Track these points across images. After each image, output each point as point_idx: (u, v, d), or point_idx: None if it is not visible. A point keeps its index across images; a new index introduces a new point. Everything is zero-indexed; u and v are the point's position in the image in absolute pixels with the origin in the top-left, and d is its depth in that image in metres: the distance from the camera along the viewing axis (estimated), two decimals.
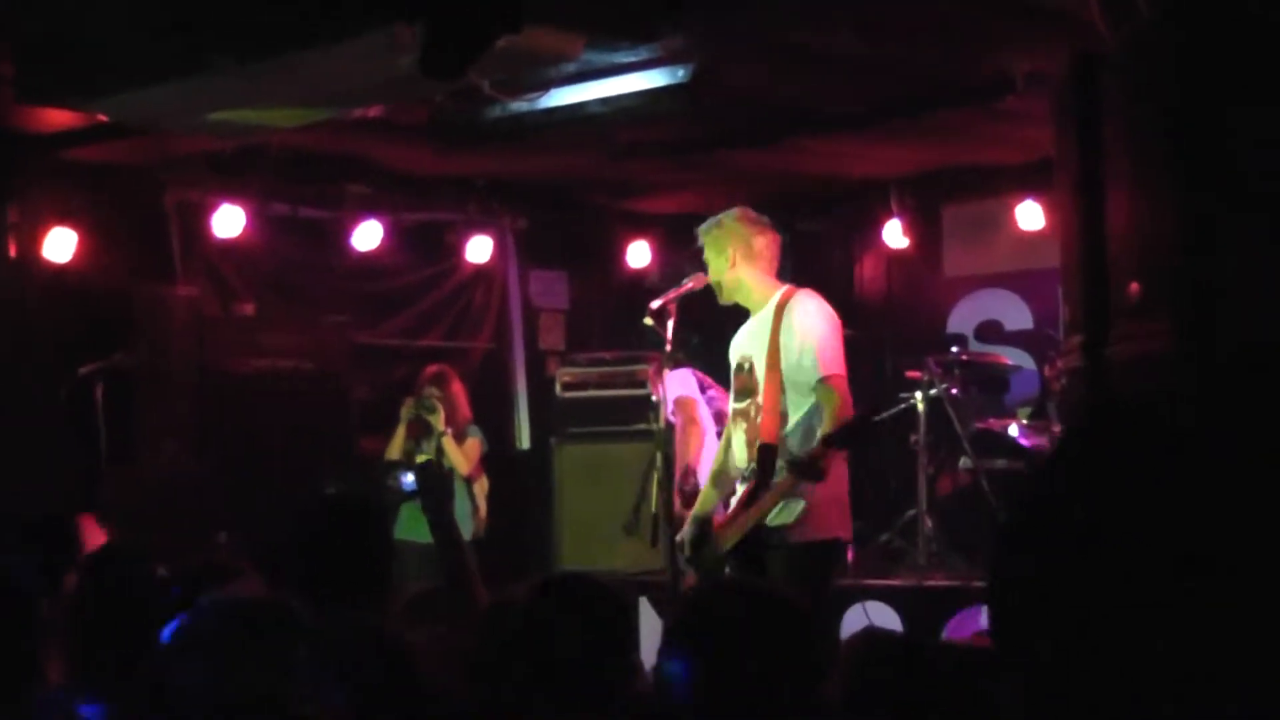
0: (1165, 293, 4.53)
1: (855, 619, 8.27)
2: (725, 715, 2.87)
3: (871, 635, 3.73)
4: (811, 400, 6.28)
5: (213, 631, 3.30)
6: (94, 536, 7.44)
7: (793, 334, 6.33)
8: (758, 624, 2.93)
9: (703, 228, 6.65)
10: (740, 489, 6.46)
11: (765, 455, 6.30)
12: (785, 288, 6.54)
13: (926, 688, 3.45)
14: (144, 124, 8.00)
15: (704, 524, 6.50)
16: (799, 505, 6.20)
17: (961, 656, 3.38)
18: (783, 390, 6.34)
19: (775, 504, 6.20)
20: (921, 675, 3.49)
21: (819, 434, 6.17)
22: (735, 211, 6.62)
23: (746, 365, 6.53)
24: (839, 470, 6.29)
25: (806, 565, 6.24)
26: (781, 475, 6.20)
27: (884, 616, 8.28)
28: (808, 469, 6.03)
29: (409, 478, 8.88)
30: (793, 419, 6.32)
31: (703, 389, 8.88)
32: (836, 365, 6.26)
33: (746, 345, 6.57)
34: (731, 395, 6.70)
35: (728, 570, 6.36)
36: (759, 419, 6.40)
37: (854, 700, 3.50)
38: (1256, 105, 4.24)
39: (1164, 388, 4.62)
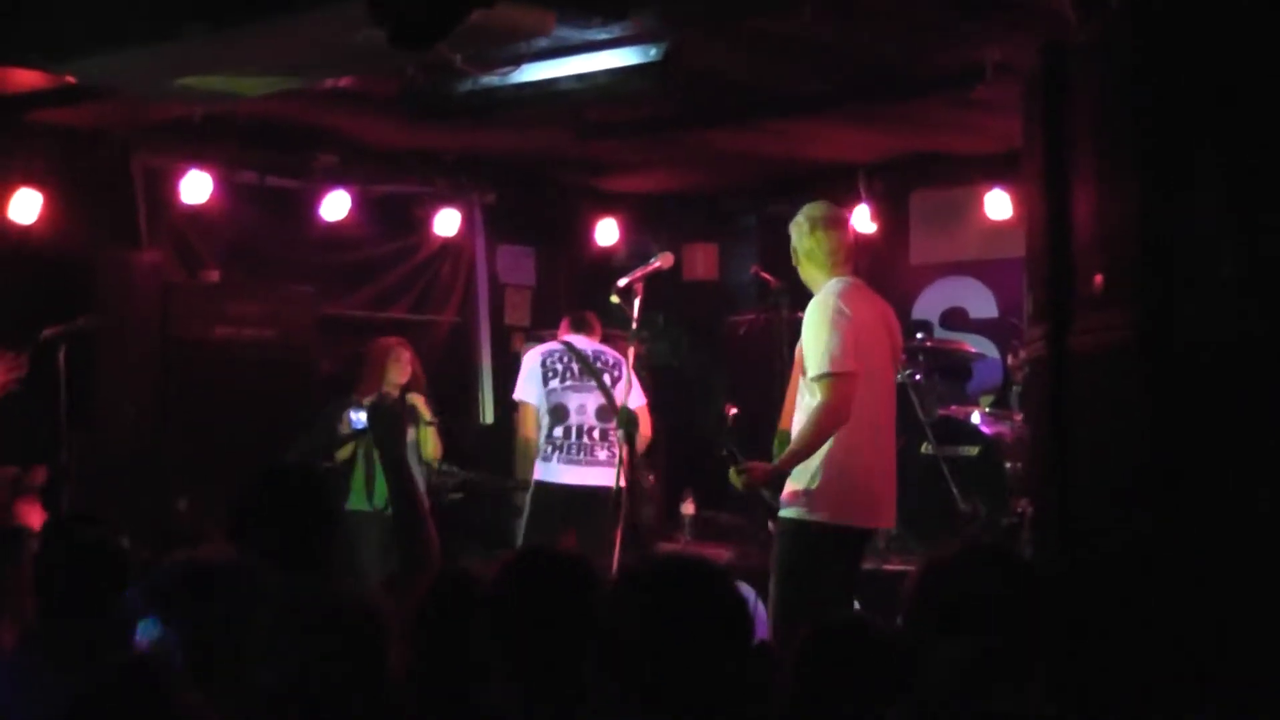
0: (1126, 285, 4.55)
1: None
2: (664, 689, 2.88)
3: (822, 622, 3.75)
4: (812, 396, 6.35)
5: (174, 593, 3.30)
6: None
7: (803, 329, 6.43)
8: (686, 597, 2.95)
9: None
10: None
11: (779, 443, 6.49)
12: (830, 282, 6.57)
13: (875, 671, 3.47)
14: (112, 87, 7.95)
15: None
16: (793, 481, 6.36)
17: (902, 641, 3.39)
18: (802, 384, 6.43)
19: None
20: (870, 658, 3.51)
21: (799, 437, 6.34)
22: (809, 205, 6.73)
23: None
24: (844, 456, 6.34)
25: (780, 539, 6.41)
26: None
27: None
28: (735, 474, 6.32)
29: (359, 415, 8.84)
30: (801, 412, 6.42)
31: (549, 376, 8.67)
32: (827, 364, 6.25)
33: None
34: None
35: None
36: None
37: (805, 684, 3.52)
38: (1221, 100, 4.26)
39: (1122, 378, 4.65)
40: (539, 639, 3.18)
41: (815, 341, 6.29)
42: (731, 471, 6.32)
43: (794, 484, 6.35)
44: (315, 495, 4.31)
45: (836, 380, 6.23)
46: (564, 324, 8.92)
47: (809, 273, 6.62)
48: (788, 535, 6.35)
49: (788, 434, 6.47)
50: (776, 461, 6.32)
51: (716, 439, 6.47)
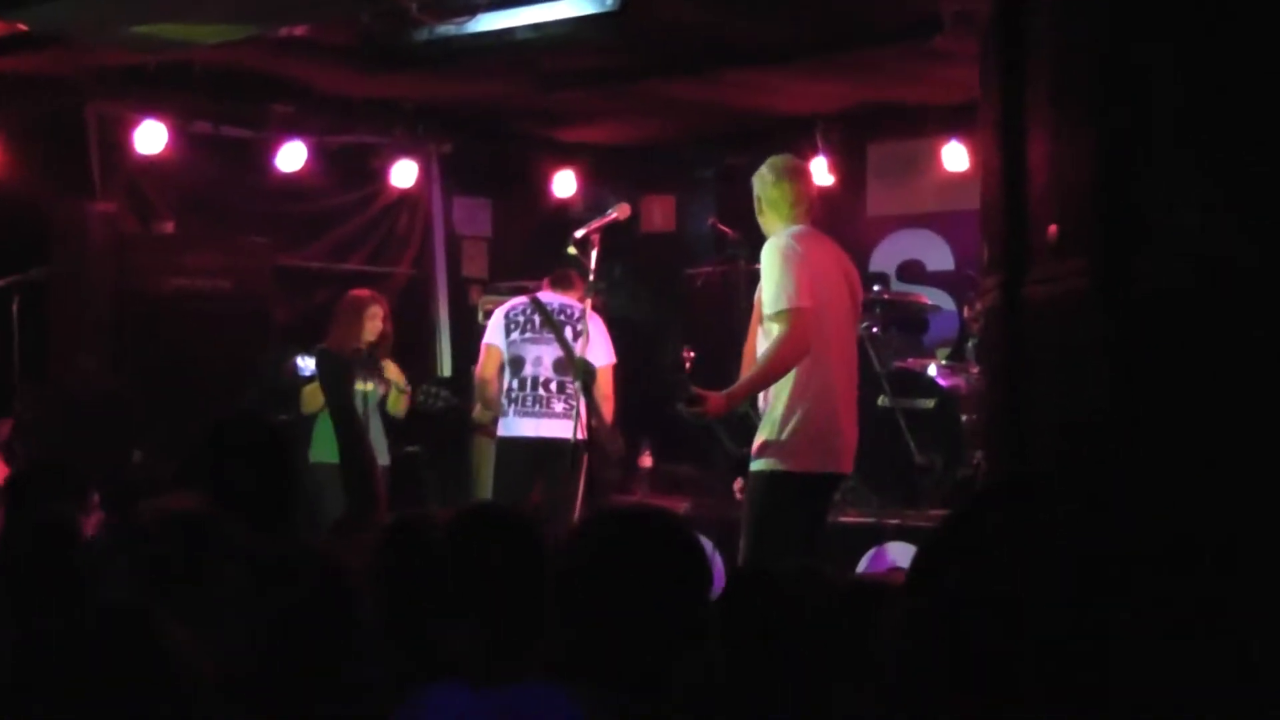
0: (1082, 234, 4.56)
1: None
2: (604, 644, 2.90)
3: (753, 570, 3.75)
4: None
5: (141, 544, 3.29)
6: None
7: (761, 272, 6.44)
8: (636, 554, 2.96)
9: None
10: None
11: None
12: (779, 231, 6.58)
13: (793, 621, 3.46)
14: (65, 35, 7.90)
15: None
16: (763, 432, 6.36)
17: (855, 591, 3.38)
18: (762, 330, 6.43)
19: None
20: (786, 609, 3.50)
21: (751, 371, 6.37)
22: (776, 157, 6.76)
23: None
24: (808, 402, 6.36)
25: (750, 489, 6.42)
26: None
27: None
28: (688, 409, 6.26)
29: (306, 362, 8.78)
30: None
31: (511, 328, 8.60)
32: (783, 300, 6.27)
33: None
34: None
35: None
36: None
37: (732, 635, 3.53)
38: (1178, 47, 4.26)
39: (1078, 328, 4.66)
40: (485, 594, 3.18)
41: (771, 280, 6.31)
42: (682, 405, 6.31)
43: (764, 435, 6.36)
44: (268, 451, 4.28)
45: (793, 314, 6.25)
46: (546, 281, 8.90)
47: (771, 222, 6.64)
48: (760, 485, 6.35)
49: None
50: (728, 391, 6.31)
51: (673, 383, 6.45)
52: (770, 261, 6.37)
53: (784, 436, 6.31)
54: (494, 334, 8.59)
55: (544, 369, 8.41)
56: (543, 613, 3.12)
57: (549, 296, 8.60)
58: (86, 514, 4.86)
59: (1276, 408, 4.10)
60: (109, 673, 2.41)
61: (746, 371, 6.55)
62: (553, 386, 8.41)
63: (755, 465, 6.38)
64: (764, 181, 6.67)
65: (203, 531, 3.41)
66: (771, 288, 6.31)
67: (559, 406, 8.34)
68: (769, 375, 6.31)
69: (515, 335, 8.51)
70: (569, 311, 8.43)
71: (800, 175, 6.74)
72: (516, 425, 8.43)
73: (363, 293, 9.24)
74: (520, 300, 8.69)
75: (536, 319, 8.48)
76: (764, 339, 6.41)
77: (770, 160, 6.74)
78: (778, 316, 6.27)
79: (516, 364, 8.48)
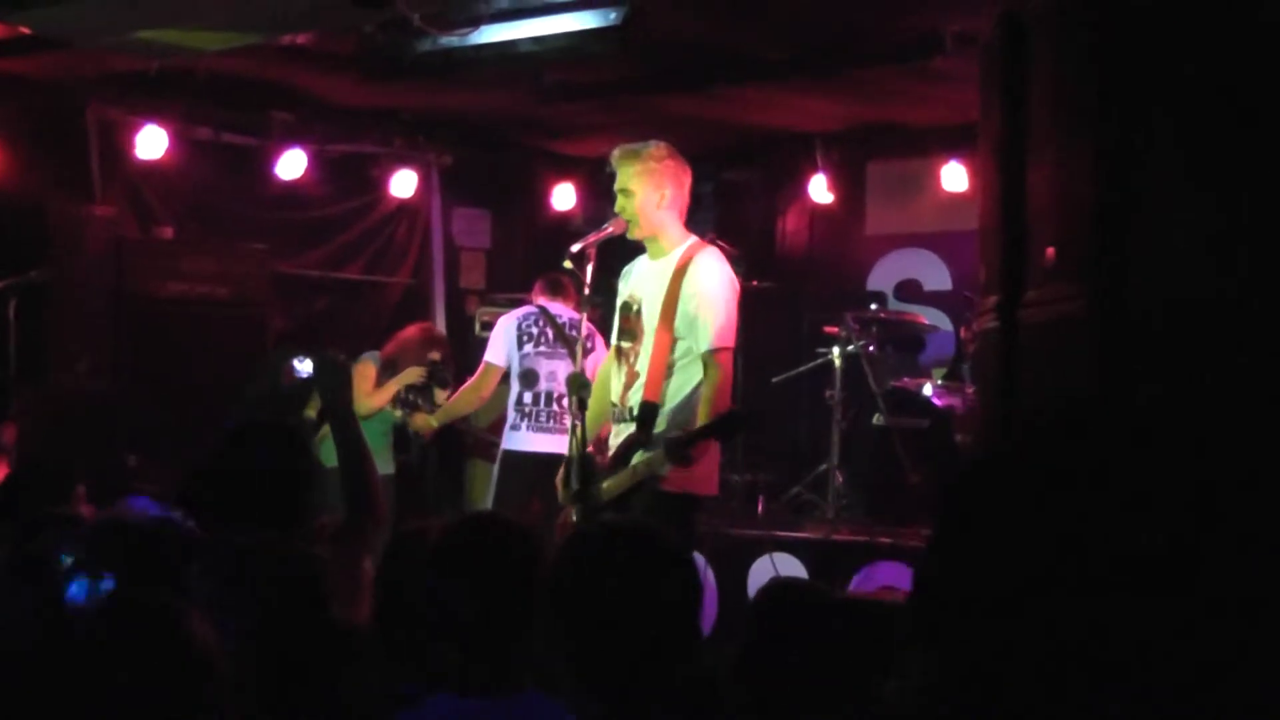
0: (1079, 257, 4.57)
1: (763, 570, 8.33)
2: (603, 655, 2.91)
3: (783, 583, 3.78)
4: (696, 366, 6.15)
5: (102, 550, 3.30)
6: None
7: (693, 293, 6.19)
8: (637, 567, 2.97)
9: (626, 153, 6.47)
10: (615, 429, 6.36)
11: (647, 413, 6.17)
12: (694, 239, 6.42)
13: (832, 635, 3.50)
14: (68, 38, 7.90)
15: (588, 463, 6.21)
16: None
17: (866, 608, 3.44)
18: (672, 347, 6.21)
19: (648, 472, 6.04)
20: (828, 623, 3.54)
21: (699, 413, 6.07)
22: (665, 147, 6.45)
23: (635, 307, 6.41)
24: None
25: (669, 513, 6.04)
26: (657, 449, 6.03)
27: (791, 568, 8.34)
28: (679, 453, 5.92)
29: (305, 364, 8.78)
30: (675, 381, 6.21)
31: (524, 340, 8.54)
32: (727, 338, 6.13)
33: (640, 287, 6.44)
34: (615, 331, 6.58)
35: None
36: (637, 365, 6.31)
37: (761, 643, 3.55)
38: (1176, 69, 4.28)
39: (1073, 351, 4.67)
40: (478, 603, 3.18)
41: (714, 311, 6.12)
42: (675, 454, 5.94)
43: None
44: (287, 456, 4.27)
45: (727, 356, 6.12)
46: (537, 286, 8.86)
47: (670, 217, 6.40)
48: (674, 507, 6.03)
49: (655, 406, 6.15)
50: (687, 435, 5.97)
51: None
52: (715, 290, 6.16)
53: (696, 464, 6.02)
54: (500, 350, 8.51)
55: (558, 384, 8.37)
56: (535, 623, 3.13)
57: (554, 308, 8.59)
58: (74, 511, 4.86)
59: (1267, 429, 4.11)
60: (132, 661, 2.44)
61: (652, 394, 6.16)
62: (566, 402, 8.37)
63: (668, 488, 6.04)
64: (675, 174, 6.37)
65: (162, 534, 3.42)
66: (715, 321, 6.11)
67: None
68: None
69: (529, 348, 8.48)
70: (579, 328, 8.42)
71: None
72: (527, 440, 8.40)
73: (427, 328, 9.27)
74: (529, 310, 8.65)
75: (549, 332, 8.46)
76: (680, 355, 6.17)
77: (667, 149, 6.42)
78: (714, 354, 6.09)
79: (529, 378, 8.45)
